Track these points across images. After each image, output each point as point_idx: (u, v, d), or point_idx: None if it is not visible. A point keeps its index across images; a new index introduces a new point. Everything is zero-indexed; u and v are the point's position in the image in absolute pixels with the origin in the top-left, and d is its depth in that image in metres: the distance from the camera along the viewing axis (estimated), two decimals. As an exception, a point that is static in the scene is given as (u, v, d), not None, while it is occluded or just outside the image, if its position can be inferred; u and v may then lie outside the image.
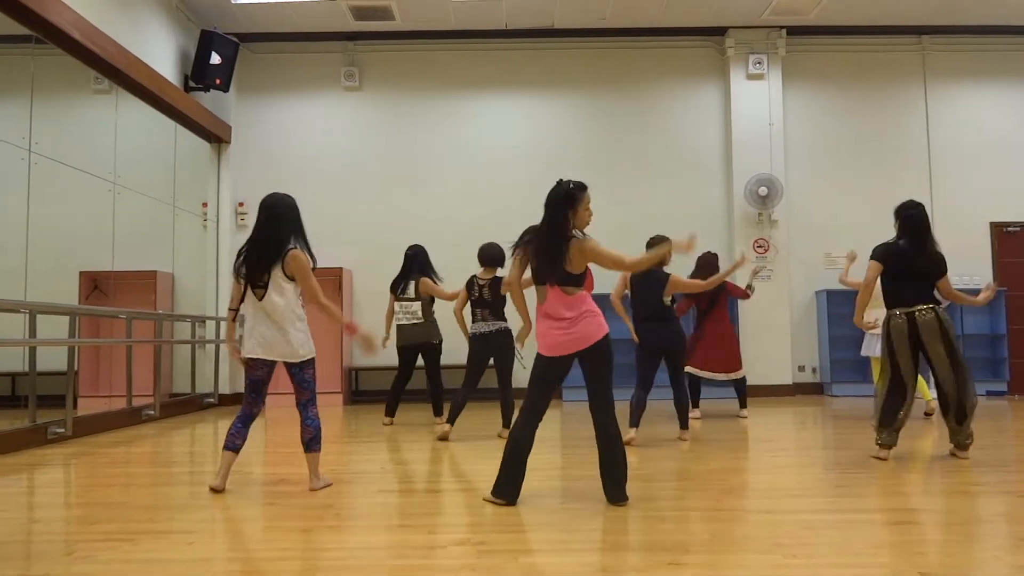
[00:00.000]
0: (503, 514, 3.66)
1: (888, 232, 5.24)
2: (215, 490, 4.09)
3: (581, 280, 3.80)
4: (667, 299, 5.87)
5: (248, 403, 4.19)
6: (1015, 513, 3.61)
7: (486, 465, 5.08)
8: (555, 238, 3.75)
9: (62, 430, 6.21)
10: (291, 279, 4.10)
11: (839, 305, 9.69)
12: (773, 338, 9.67)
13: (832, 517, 3.52)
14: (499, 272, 6.18)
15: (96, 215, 7.61)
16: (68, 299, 7.56)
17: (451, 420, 6.14)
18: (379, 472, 4.86)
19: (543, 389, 3.83)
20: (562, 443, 6.07)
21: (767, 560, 2.82)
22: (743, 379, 7.43)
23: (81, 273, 7.96)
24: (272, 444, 6.40)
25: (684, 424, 5.94)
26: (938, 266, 4.96)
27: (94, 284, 8.10)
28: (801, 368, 9.85)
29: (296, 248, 4.13)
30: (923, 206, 5.08)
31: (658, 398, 9.08)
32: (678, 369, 5.92)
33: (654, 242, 5.84)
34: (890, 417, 4.87)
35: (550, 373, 3.82)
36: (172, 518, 3.65)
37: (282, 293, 4.08)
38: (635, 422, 5.72)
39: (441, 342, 7.14)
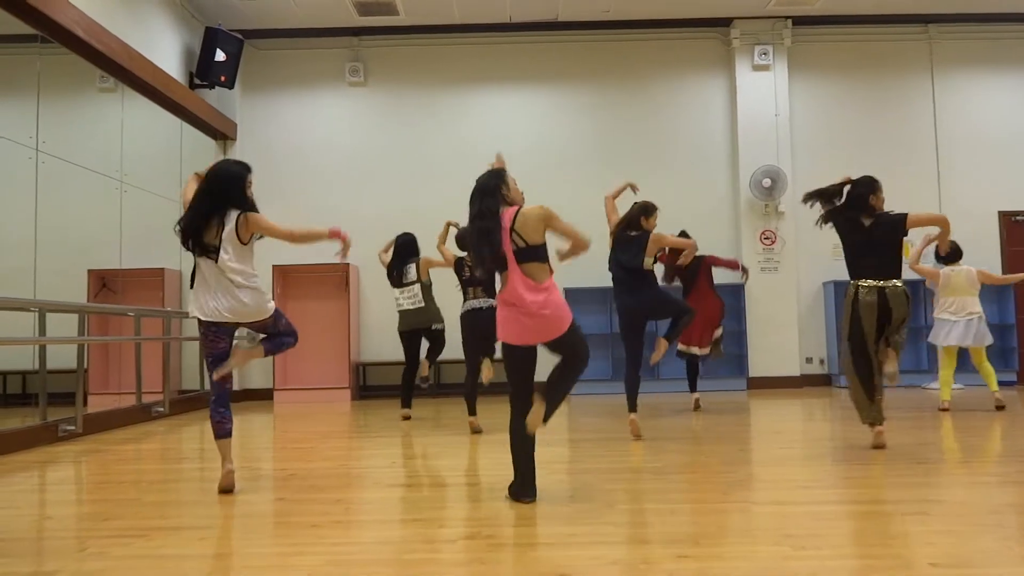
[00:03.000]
0: (512, 508, 3.66)
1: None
2: (227, 484, 4.03)
3: (542, 253, 3.63)
4: (648, 260, 5.63)
5: (217, 381, 4.13)
6: (1025, 503, 3.59)
7: (496, 459, 5.09)
8: (491, 218, 3.63)
9: (73, 427, 6.25)
10: (245, 243, 4.04)
11: (847, 296, 9.66)
12: (780, 330, 9.65)
13: (841, 508, 3.51)
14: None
15: (103, 213, 7.64)
16: (77, 297, 7.59)
17: (472, 411, 6.20)
18: (388, 467, 4.87)
19: (520, 378, 3.73)
20: (569, 437, 6.08)
21: (776, 552, 2.82)
22: (698, 356, 7.18)
23: (89, 271, 7.99)
24: (281, 440, 6.42)
25: (631, 407, 5.65)
26: (896, 229, 4.92)
27: (102, 282, 8.13)
28: (809, 360, 9.83)
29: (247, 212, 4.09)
30: (871, 182, 5.11)
31: (658, 391, 9.11)
32: (678, 316, 5.75)
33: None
34: (868, 394, 4.88)
35: (518, 361, 3.70)
36: (183, 514, 3.67)
37: (236, 253, 4.01)
38: (633, 405, 5.59)
39: (443, 327, 7.13)
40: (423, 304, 7.04)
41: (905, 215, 4.96)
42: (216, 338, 4.08)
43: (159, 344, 7.93)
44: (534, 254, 3.61)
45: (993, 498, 3.66)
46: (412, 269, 7.10)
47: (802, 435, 6.11)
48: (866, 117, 9.98)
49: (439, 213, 9.66)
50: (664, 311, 5.82)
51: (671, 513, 3.45)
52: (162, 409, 7.73)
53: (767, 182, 9.50)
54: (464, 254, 6.29)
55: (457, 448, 5.59)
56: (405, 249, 7.24)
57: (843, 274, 9.53)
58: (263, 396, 9.58)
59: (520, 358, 3.71)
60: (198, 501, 3.99)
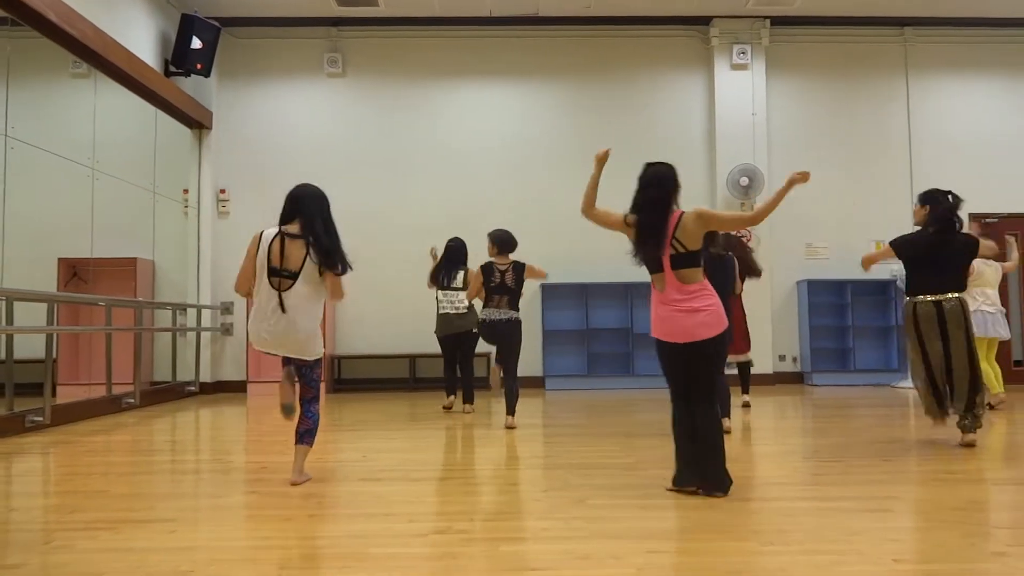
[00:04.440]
0: (485, 503, 3.68)
1: (874, 222, 5.29)
2: (285, 402, 4.01)
3: (698, 259, 3.73)
4: (740, 284, 5.72)
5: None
6: (990, 500, 3.67)
7: (470, 454, 5.10)
8: (661, 214, 3.72)
9: (40, 418, 6.15)
10: (322, 274, 3.99)
11: (820, 295, 9.79)
12: (754, 328, 9.60)
13: (809, 505, 3.56)
14: (512, 256, 6.23)
15: (75, 201, 7.51)
16: (46, 286, 7.48)
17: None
18: (361, 461, 4.86)
19: (672, 371, 3.82)
20: (544, 432, 6.09)
21: (744, 547, 2.85)
22: (748, 363, 7.28)
23: (60, 260, 7.87)
24: (254, 432, 6.37)
25: (725, 412, 5.56)
26: (967, 252, 5.00)
27: (73, 271, 8.01)
28: (782, 358, 9.94)
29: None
30: (952, 195, 5.09)
31: (633, 387, 9.17)
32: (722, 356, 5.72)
33: None
34: (938, 404, 4.98)
35: (672, 359, 3.79)
36: (152, 507, 3.63)
37: (312, 288, 3.97)
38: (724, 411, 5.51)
39: (477, 331, 7.13)
40: (466, 311, 7.08)
41: (978, 241, 5.05)
42: (273, 355, 4.08)
43: (130, 335, 7.83)
44: (691, 260, 3.70)
45: (956, 495, 3.73)
46: (460, 276, 7.14)
47: (773, 432, 6.18)
48: (841, 117, 10.10)
49: (416, 206, 9.68)
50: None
51: (643, 508, 3.48)
52: (132, 400, 7.64)
53: (744, 180, 9.57)
54: (493, 259, 6.23)
55: (430, 442, 5.59)
56: (456, 255, 7.25)
57: (816, 273, 9.74)
58: (236, 388, 9.50)
59: (673, 355, 3.77)
60: (168, 493, 3.96)
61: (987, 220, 10.04)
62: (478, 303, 7.04)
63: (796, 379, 9.89)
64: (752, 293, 9.67)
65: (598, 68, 10.05)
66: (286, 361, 4.10)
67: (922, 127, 10.09)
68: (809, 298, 9.68)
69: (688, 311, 3.67)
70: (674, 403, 3.84)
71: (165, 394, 8.58)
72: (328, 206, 4.09)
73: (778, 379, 9.77)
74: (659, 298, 3.78)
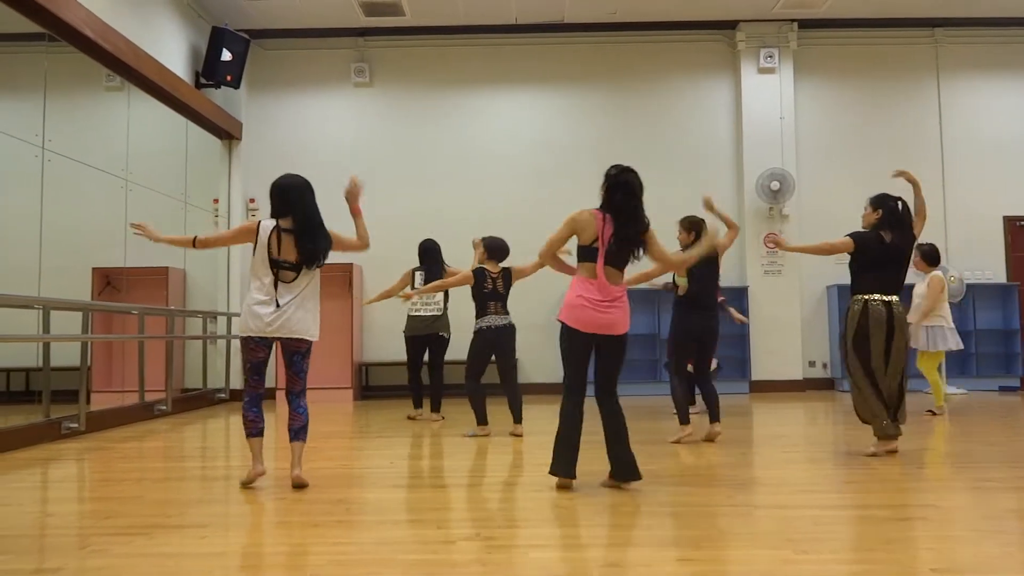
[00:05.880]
0: (513, 509, 3.67)
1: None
2: (251, 480, 4.09)
3: (621, 263, 4.02)
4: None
5: (253, 385, 4.29)
6: (1027, 509, 3.58)
7: (496, 461, 5.10)
8: (642, 223, 4.02)
9: (75, 425, 6.26)
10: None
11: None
12: (784, 333, 9.63)
13: (843, 513, 3.51)
14: (504, 264, 6.18)
15: (108, 211, 7.65)
16: (81, 295, 7.61)
17: (481, 421, 6.06)
18: (389, 467, 4.87)
19: (576, 363, 3.98)
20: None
21: (777, 556, 2.81)
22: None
23: (94, 269, 8.02)
24: (283, 439, 6.41)
25: (715, 416, 5.53)
26: (911, 243, 5.02)
27: (106, 280, 8.16)
28: (812, 363, 9.81)
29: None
30: (902, 200, 5.06)
31: (659, 393, 9.09)
32: (708, 361, 5.68)
33: (691, 224, 5.68)
34: (880, 407, 4.87)
35: (580, 348, 3.95)
36: (185, 512, 3.68)
37: (310, 277, 4.19)
38: (686, 417, 5.51)
39: (449, 337, 7.16)
40: (440, 313, 7.03)
41: (913, 232, 5.04)
42: (256, 347, 4.18)
43: (162, 342, 7.95)
44: (619, 260, 3.98)
45: (993, 503, 3.65)
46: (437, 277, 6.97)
47: (804, 439, 6.10)
48: (871, 121, 9.97)
49: (444, 213, 9.71)
50: (714, 344, 5.73)
51: (672, 516, 3.45)
52: (165, 407, 7.75)
53: (775, 185, 9.49)
54: (485, 265, 6.12)
55: (457, 449, 5.59)
56: (430, 255, 7.20)
57: (846, 278, 9.55)
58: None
59: (580, 343, 3.95)
60: (200, 499, 4.00)
61: (1021, 223, 9.86)
62: (454, 309, 7.08)
63: (826, 385, 9.76)
64: (781, 298, 9.62)
65: (624, 74, 10.03)
66: (253, 430, 4.20)
67: (954, 129, 9.93)
68: (839, 303, 9.54)
69: (613, 307, 3.89)
70: (572, 394, 4.00)
71: (196, 401, 8.69)
72: (312, 196, 4.33)
73: (808, 385, 9.66)
74: (585, 286, 3.91)
